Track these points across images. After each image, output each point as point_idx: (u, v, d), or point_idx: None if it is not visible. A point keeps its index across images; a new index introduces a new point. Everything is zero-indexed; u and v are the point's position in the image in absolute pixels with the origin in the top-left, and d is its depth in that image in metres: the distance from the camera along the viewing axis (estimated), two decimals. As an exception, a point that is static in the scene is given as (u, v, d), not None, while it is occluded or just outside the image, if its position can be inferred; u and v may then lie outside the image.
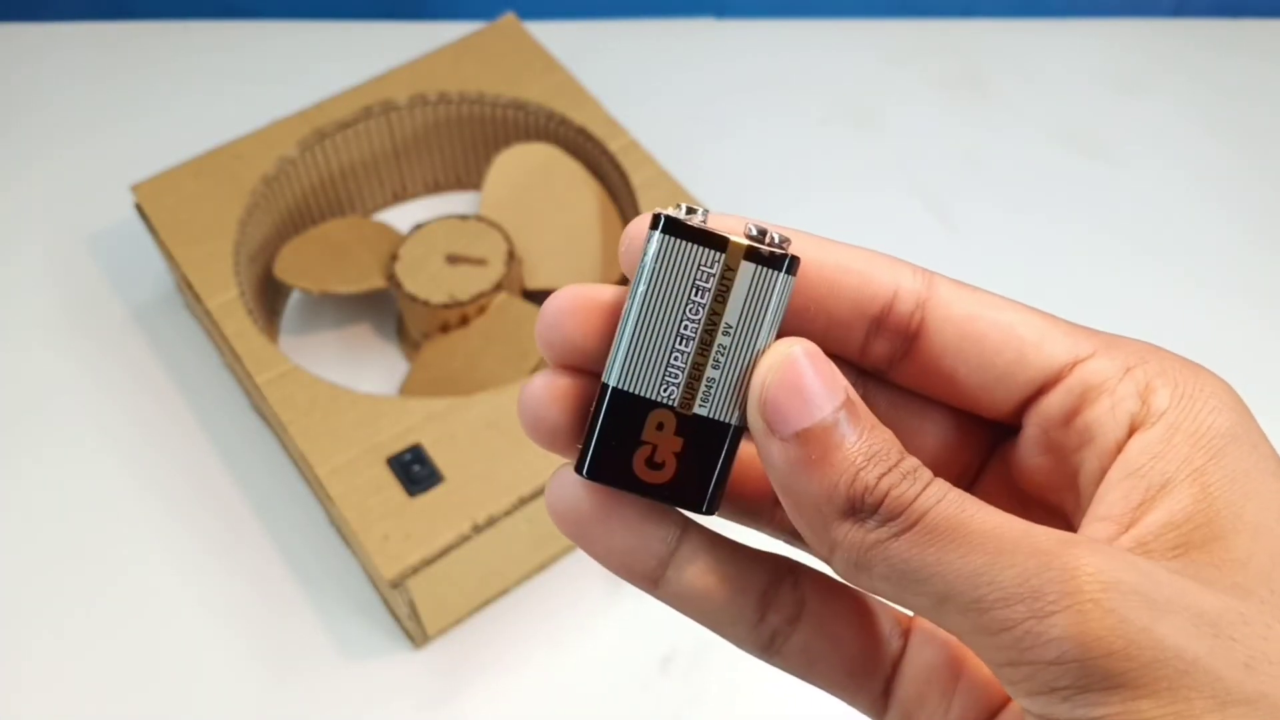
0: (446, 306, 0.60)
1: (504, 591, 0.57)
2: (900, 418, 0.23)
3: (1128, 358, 0.21)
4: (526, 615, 0.57)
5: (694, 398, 0.21)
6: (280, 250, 0.64)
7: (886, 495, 0.19)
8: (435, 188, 0.73)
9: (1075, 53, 0.83)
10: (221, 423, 0.64)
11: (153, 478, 0.62)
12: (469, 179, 0.72)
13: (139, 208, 0.63)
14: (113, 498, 0.61)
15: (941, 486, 0.20)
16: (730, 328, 0.21)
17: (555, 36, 0.70)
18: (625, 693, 0.53)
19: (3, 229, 0.73)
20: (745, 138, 0.77)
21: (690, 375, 0.21)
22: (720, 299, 0.21)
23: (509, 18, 0.71)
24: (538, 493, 0.52)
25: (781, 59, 0.82)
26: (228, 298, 0.59)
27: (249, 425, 0.63)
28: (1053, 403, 0.22)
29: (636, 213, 0.62)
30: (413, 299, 0.61)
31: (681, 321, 0.21)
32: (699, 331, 0.21)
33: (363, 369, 0.64)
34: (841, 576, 0.21)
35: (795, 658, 0.23)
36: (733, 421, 0.21)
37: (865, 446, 0.20)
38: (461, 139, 0.70)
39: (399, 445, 0.53)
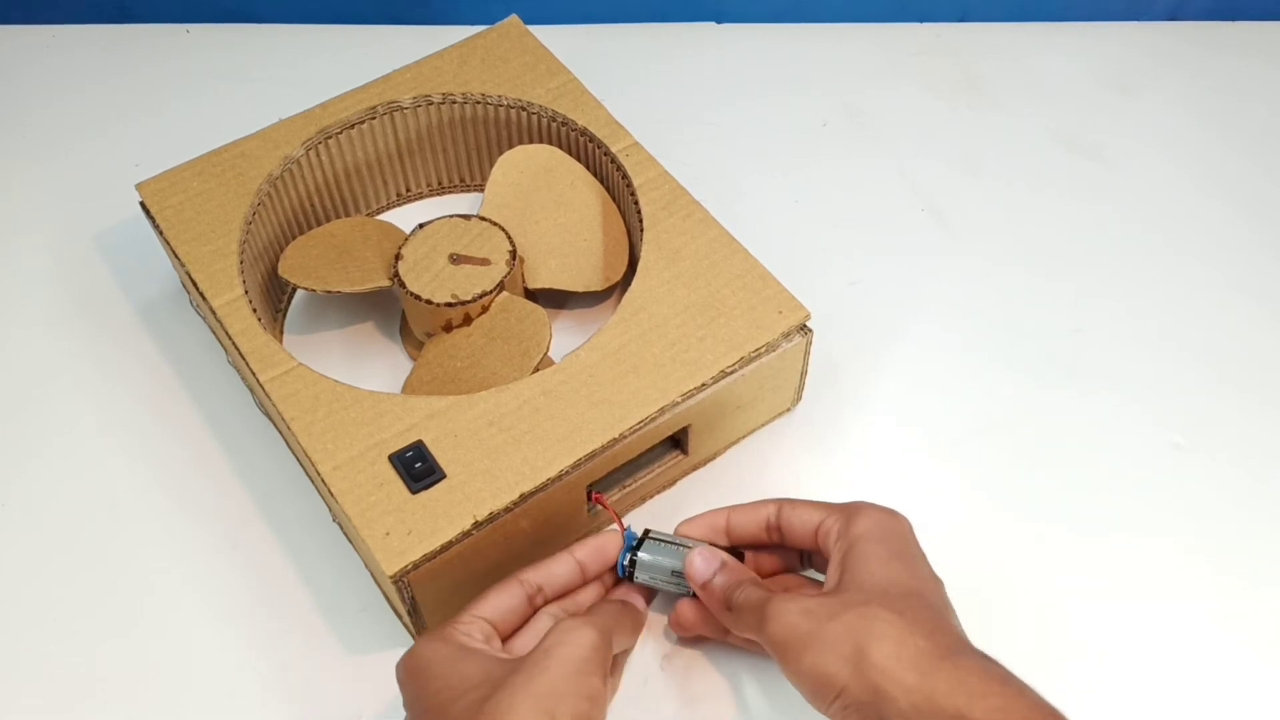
0: (449, 305, 0.61)
1: (505, 588, 0.58)
2: (784, 554, 0.55)
3: (842, 514, 0.50)
4: (527, 611, 0.57)
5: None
6: (285, 249, 0.65)
7: (729, 597, 0.50)
8: (439, 188, 0.73)
9: (1071, 56, 0.83)
10: (226, 420, 0.64)
11: (157, 474, 0.62)
12: (472, 180, 0.73)
13: (144, 206, 0.63)
14: (118, 494, 0.62)
15: (751, 590, 0.49)
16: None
17: (559, 40, 0.71)
18: (625, 688, 0.54)
19: (9, 228, 0.74)
20: (746, 140, 0.78)
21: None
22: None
23: (513, 20, 0.71)
24: (538, 489, 0.53)
25: (781, 63, 0.83)
26: (232, 296, 0.59)
27: (253, 422, 0.64)
28: (819, 536, 0.51)
29: (638, 214, 0.62)
30: (416, 298, 0.61)
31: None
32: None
33: (366, 367, 0.65)
34: (733, 630, 0.51)
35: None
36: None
37: (723, 580, 0.51)
38: (465, 140, 0.70)
39: (401, 442, 0.54)
